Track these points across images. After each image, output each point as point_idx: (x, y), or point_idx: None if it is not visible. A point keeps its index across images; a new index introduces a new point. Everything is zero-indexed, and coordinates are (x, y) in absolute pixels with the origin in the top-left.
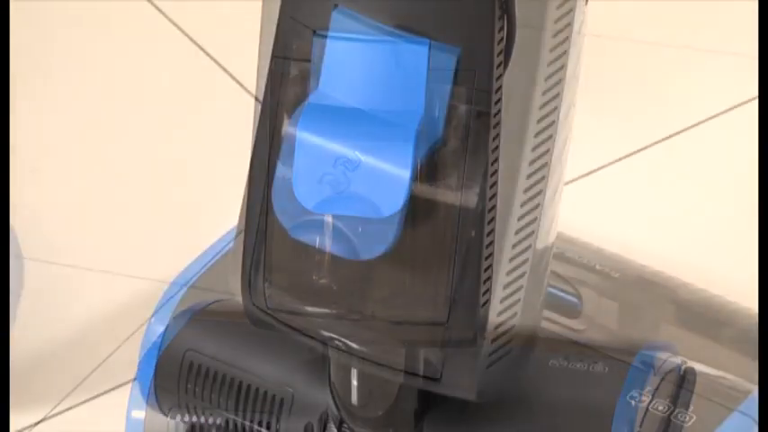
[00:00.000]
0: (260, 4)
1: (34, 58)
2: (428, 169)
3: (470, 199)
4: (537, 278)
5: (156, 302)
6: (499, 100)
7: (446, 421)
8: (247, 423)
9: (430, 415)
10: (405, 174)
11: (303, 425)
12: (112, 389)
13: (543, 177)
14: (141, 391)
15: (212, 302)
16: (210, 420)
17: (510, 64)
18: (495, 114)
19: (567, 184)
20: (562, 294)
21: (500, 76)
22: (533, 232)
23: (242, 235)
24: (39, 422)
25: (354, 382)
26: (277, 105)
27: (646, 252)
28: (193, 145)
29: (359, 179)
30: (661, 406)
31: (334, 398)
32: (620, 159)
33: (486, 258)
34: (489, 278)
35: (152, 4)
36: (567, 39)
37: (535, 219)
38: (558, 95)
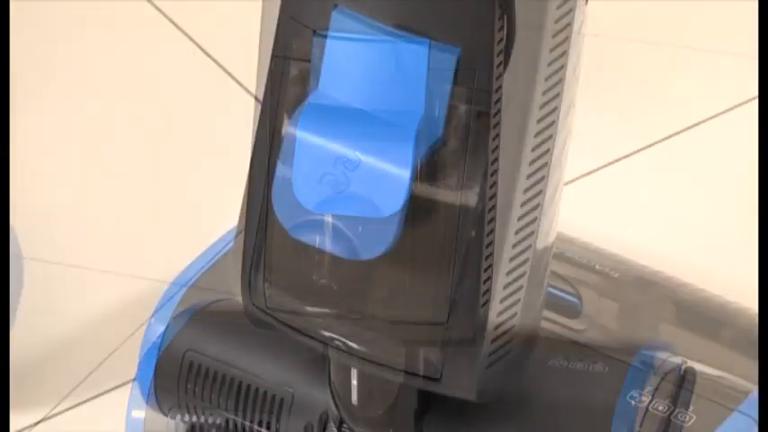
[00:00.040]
0: (260, 4)
1: (34, 58)
2: (428, 169)
3: (470, 199)
4: (537, 278)
5: (156, 302)
6: (499, 100)
7: (446, 421)
8: (247, 423)
9: (430, 415)
10: (405, 174)
11: (303, 425)
12: (112, 389)
13: (543, 177)
14: (141, 391)
15: (212, 302)
16: (210, 420)
17: (510, 64)
18: (495, 114)
19: (567, 184)
20: (562, 294)
21: (500, 76)
22: (533, 232)
23: (242, 235)
24: (39, 422)
25: (354, 382)
26: (277, 105)
27: (646, 252)
28: (193, 145)
29: (359, 179)
30: (661, 406)
31: (334, 398)
32: (620, 159)
33: (486, 258)
34: (489, 278)
35: (152, 4)
36: (567, 39)
37: (535, 219)
38: (558, 95)
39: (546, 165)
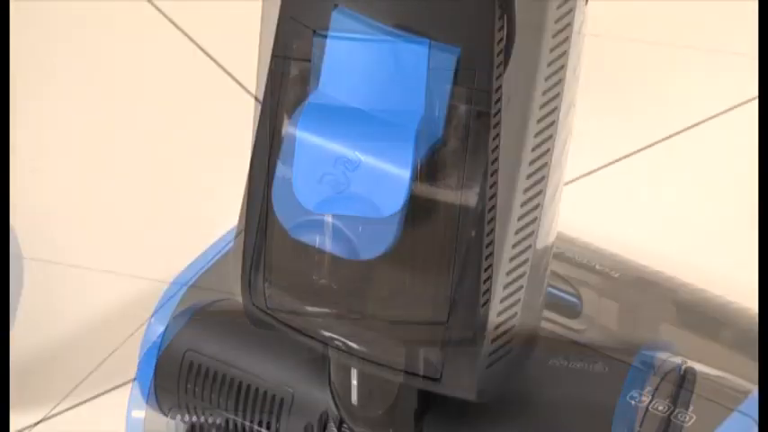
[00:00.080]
0: (260, 4)
1: (34, 58)
2: (428, 169)
3: (470, 199)
4: (537, 278)
5: (156, 302)
6: (499, 100)
7: (446, 421)
8: (247, 423)
9: (430, 415)
10: (405, 174)
11: (303, 425)
12: (112, 389)
13: (543, 177)
14: (141, 391)
15: (212, 302)
16: (210, 420)
17: (510, 64)
18: (495, 114)
19: (567, 184)
20: (562, 294)
21: (500, 76)
22: (533, 232)
23: (242, 235)
24: (39, 422)
25: (354, 382)
26: (277, 105)
27: (646, 252)
28: (193, 145)
29: (359, 179)
30: (661, 406)
31: (334, 398)
32: (620, 159)
33: (486, 258)
34: (489, 278)
35: (152, 4)
36: (567, 39)
37: (535, 219)
38: (558, 95)
39: (546, 165)
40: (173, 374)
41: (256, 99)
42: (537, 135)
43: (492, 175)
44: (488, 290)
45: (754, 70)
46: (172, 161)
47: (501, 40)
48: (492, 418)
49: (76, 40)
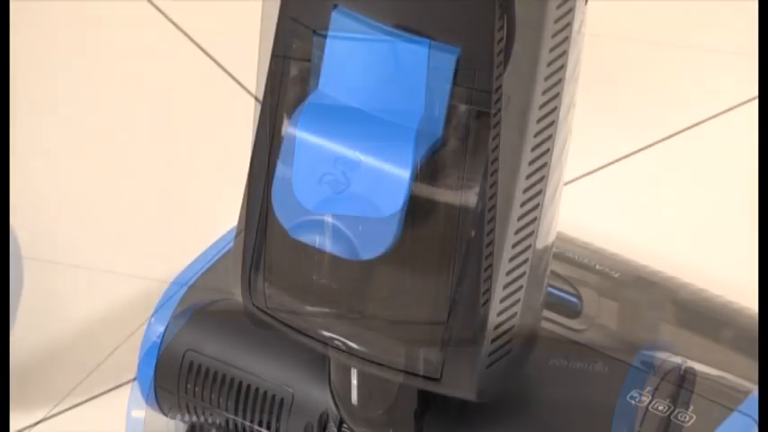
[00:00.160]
0: (260, 4)
1: (34, 58)
2: (428, 169)
3: (470, 199)
4: (537, 278)
5: (156, 302)
6: (499, 100)
7: (446, 421)
8: (247, 423)
9: (430, 415)
10: (405, 174)
11: (303, 425)
12: (112, 389)
13: (543, 177)
14: (141, 391)
15: (212, 302)
16: (210, 420)
17: (510, 64)
18: (495, 114)
19: (566, 184)
20: (562, 294)
21: (500, 76)
22: (533, 232)
23: (242, 235)
24: (39, 422)
25: (354, 382)
26: (277, 105)
27: (646, 252)
28: (193, 145)
29: (359, 179)
30: (661, 406)
31: (334, 398)
32: (620, 159)
33: (486, 258)
34: (489, 278)
35: (152, 4)
36: (567, 39)
37: (535, 219)
38: (557, 95)
39: (546, 165)
40: (173, 374)
41: (256, 99)
42: (537, 135)
43: (492, 175)
44: (488, 290)
45: (754, 70)
46: (172, 161)
47: (501, 40)
48: (492, 418)
49: (76, 39)
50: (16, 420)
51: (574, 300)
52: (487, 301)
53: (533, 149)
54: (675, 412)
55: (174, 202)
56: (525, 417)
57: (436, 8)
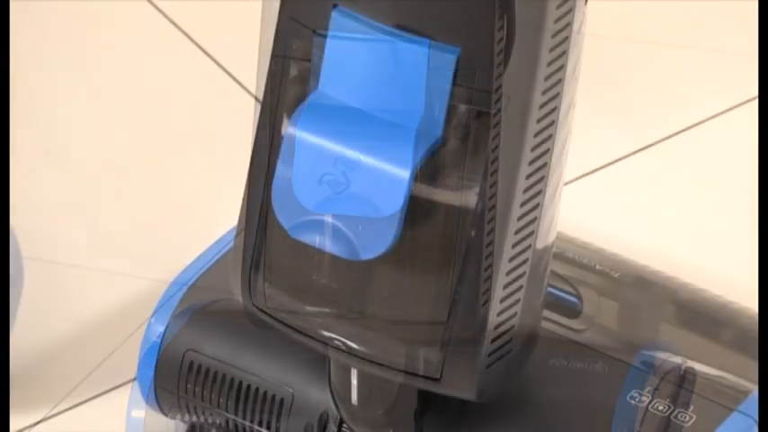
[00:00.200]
0: (260, 4)
1: (34, 58)
2: (428, 169)
3: (470, 199)
4: (537, 278)
5: (156, 302)
6: (499, 100)
7: (446, 421)
8: (247, 423)
9: (430, 415)
10: (404, 174)
11: (303, 425)
12: (112, 389)
13: (543, 177)
14: (141, 391)
15: (212, 302)
16: (210, 420)
17: (510, 64)
18: (495, 114)
19: (566, 184)
20: (562, 294)
21: (500, 76)
22: (533, 232)
23: (242, 235)
24: (39, 422)
25: (354, 382)
26: (277, 105)
27: (646, 252)
28: (193, 145)
29: (359, 179)
30: (661, 406)
31: (334, 398)
32: (620, 159)
33: (486, 258)
34: (489, 278)
35: (152, 4)
36: (567, 39)
37: (535, 219)
38: (557, 95)
39: (546, 165)
40: (173, 374)
41: (256, 99)
42: (537, 135)
43: (492, 175)
44: (488, 290)
45: (754, 70)
46: (172, 161)
47: (501, 40)
48: (492, 418)
49: (76, 39)
50: (16, 420)
51: (574, 300)
52: (487, 301)
53: (533, 149)
54: (675, 412)
55: (174, 202)
56: (525, 417)
57: (436, 8)
